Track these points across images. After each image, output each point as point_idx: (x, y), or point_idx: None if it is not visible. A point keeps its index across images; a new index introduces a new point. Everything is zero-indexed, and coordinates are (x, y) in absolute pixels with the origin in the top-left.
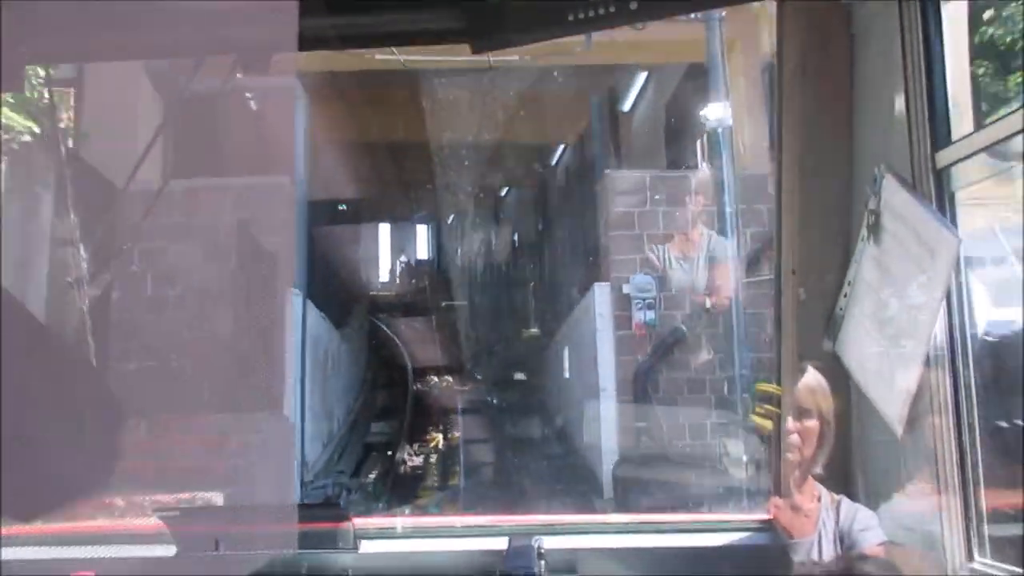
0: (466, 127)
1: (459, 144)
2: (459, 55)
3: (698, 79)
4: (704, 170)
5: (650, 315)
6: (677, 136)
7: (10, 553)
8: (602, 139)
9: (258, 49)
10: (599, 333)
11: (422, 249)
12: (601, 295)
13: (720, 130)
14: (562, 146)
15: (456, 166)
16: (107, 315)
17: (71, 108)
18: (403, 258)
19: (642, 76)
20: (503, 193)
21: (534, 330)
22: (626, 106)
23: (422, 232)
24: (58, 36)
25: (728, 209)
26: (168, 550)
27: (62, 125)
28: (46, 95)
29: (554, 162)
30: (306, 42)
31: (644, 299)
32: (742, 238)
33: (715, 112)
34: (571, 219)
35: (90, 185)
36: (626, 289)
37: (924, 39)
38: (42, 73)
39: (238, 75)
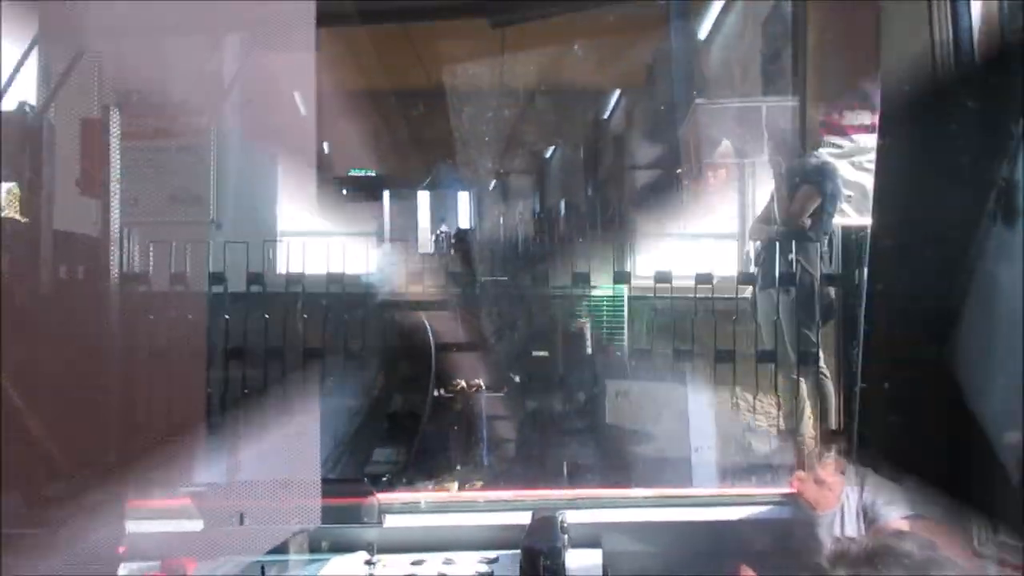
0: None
1: (488, 86)
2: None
3: None
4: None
5: None
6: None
7: None
8: (680, 75)
9: (276, 25)
10: None
11: (429, 225)
12: None
13: None
14: (622, 88)
15: (486, 113)
16: None
17: None
18: (403, 238)
19: None
20: (547, 153)
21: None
22: (703, 33)
23: (428, 204)
24: (71, 11)
25: None
26: (195, 524)
27: None
28: None
29: (609, 111)
30: (323, 18)
31: None
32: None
33: None
34: (640, 177)
35: None
36: None
37: (951, 4)
38: None
39: None
